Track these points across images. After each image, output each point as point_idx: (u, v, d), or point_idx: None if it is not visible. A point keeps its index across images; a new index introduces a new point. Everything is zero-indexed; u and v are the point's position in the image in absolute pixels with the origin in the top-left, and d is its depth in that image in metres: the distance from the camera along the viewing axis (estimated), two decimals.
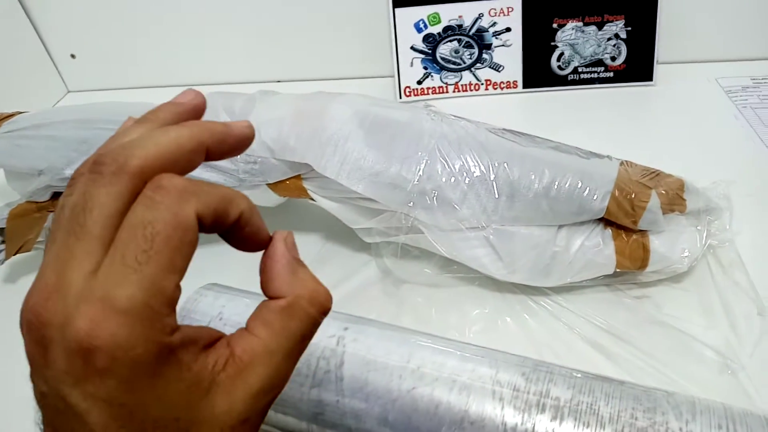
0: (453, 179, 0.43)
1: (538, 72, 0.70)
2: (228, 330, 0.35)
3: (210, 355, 0.20)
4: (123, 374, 0.17)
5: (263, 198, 0.49)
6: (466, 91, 0.71)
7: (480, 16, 0.68)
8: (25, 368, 0.19)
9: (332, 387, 0.32)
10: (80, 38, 0.79)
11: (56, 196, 0.51)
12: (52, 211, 0.51)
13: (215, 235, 0.21)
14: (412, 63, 0.70)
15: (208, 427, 0.19)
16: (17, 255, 0.50)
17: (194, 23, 0.76)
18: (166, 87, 0.80)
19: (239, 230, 0.21)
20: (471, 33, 0.69)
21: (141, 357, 0.18)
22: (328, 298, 0.22)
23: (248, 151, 0.45)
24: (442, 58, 0.70)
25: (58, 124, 0.50)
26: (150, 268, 0.18)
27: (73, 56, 0.80)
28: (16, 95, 0.73)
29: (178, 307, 0.38)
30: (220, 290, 0.38)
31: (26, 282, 0.33)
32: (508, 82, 0.71)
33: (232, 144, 0.22)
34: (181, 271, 0.19)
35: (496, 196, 0.43)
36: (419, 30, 0.68)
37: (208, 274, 0.41)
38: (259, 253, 0.23)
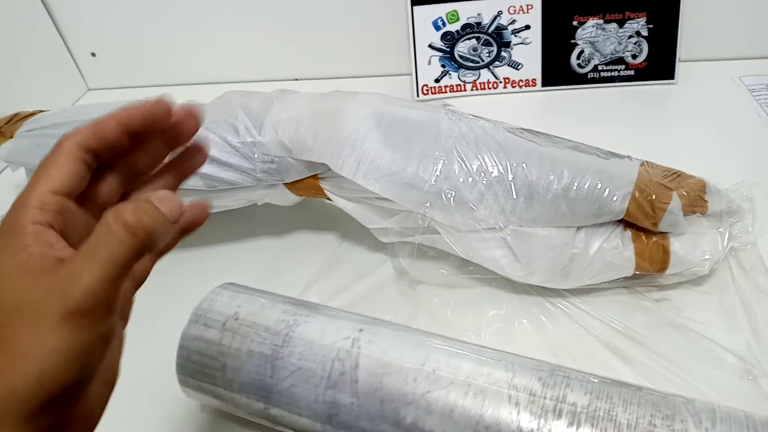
0: (470, 179, 0.43)
1: (558, 70, 0.69)
2: (243, 330, 0.35)
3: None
4: None
5: (280, 197, 0.50)
6: (484, 89, 0.71)
7: (499, 13, 0.67)
8: None
9: (347, 389, 0.32)
10: (101, 36, 0.80)
11: None
12: None
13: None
14: (429, 61, 0.70)
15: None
16: None
17: (213, 22, 0.76)
18: (186, 85, 0.80)
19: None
20: (490, 31, 0.68)
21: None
22: (141, 212, 0.21)
23: (266, 150, 0.46)
24: (461, 56, 0.69)
25: (77, 122, 0.50)
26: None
27: (93, 54, 0.81)
28: (37, 93, 0.74)
29: (195, 306, 0.38)
30: (236, 290, 0.38)
31: None
32: (527, 80, 0.70)
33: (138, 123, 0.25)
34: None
35: (514, 196, 0.43)
36: (437, 28, 0.68)
37: (226, 274, 0.42)
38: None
